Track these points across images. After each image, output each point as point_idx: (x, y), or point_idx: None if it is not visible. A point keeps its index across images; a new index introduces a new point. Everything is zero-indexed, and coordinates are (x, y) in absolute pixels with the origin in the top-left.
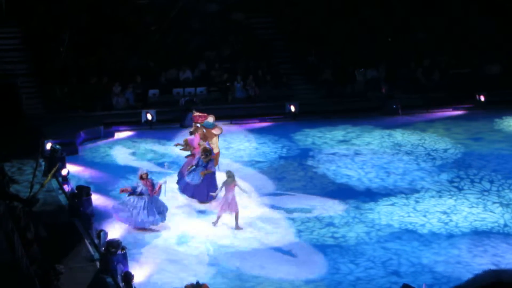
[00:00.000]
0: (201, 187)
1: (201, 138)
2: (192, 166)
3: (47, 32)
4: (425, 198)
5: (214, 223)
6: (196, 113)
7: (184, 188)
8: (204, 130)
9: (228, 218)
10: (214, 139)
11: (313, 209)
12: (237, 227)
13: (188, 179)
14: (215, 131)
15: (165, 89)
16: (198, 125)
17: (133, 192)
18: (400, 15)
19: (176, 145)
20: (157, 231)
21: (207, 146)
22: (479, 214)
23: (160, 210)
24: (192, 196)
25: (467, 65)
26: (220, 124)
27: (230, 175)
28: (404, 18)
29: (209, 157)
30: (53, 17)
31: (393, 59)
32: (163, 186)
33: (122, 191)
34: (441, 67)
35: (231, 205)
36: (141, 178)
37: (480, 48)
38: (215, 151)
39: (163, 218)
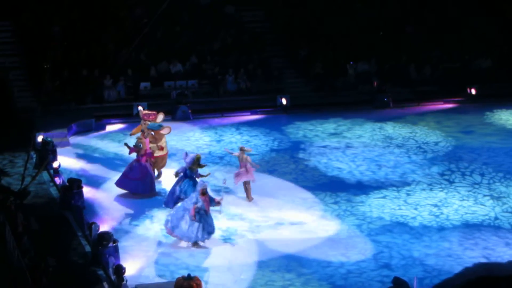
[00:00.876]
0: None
1: (150, 141)
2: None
3: (38, 26)
4: (416, 191)
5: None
6: (145, 111)
7: (175, 201)
8: (152, 133)
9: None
10: (163, 139)
11: (304, 202)
12: (249, 197)
13: (181, 194)
14: (163, 131)
15: (156, 82)
16: (149, 122)
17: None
18: (392, 9)
19: (131, 134)
20: (150, 224)
21: (199, 154)
22: (470, 207)
23: (210, 229)
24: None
25: (458, 60)
26: (166, 124)
27: (243, 150)
28: (395, 13)
29: (197, 165)
30: (44, 11)
31: (384, 53)
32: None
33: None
34: (432, 61)
35: (249, 172)
36: (202, 194)
37: (471, 43)
38: (164, 151)
39: (209, 236)
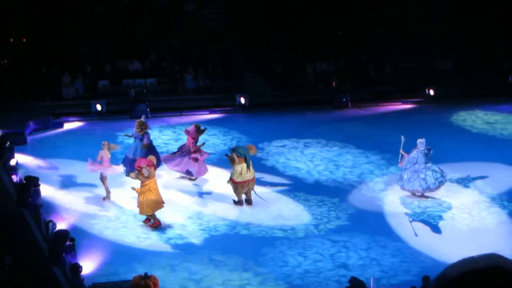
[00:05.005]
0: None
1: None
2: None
3: None
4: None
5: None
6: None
7: (124, 161)
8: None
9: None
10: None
11: (261, 201)
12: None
13: (129, 154)
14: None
15: (115, 80)
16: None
17: None
18: (352, 7)
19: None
20: (108, 223)
21: (142, 120)
22: (428, 207)
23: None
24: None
25: (418, 60)
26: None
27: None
28: (355, 11)
29: (144, 131)
30: (2, 6)
31: (343, 52)
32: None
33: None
34: (392, 61)
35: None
36: None
37: (432, 43)
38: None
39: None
